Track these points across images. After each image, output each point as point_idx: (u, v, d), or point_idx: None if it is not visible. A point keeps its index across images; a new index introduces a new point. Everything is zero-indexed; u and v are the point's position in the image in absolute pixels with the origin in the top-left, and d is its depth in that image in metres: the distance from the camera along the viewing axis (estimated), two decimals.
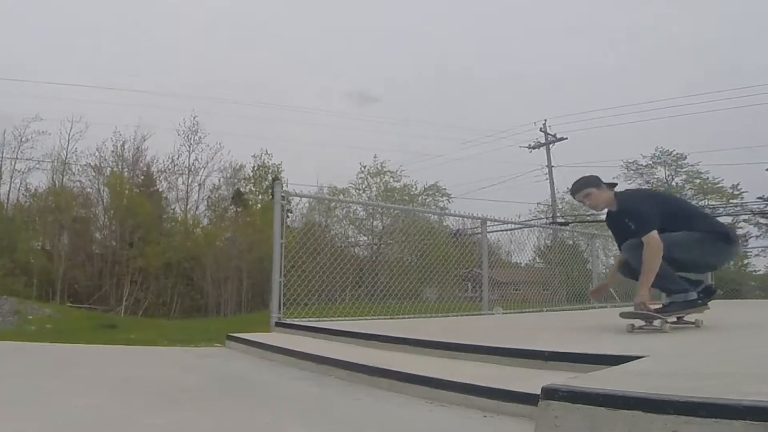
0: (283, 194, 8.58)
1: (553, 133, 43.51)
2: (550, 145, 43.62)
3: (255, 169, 52.68)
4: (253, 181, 52.95)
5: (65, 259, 43.31)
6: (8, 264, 40.65)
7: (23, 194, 48.53)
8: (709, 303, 6.07)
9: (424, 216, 19.11)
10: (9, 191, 48.08)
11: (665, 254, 5.67)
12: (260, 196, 51.40)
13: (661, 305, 6.18)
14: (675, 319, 5.86)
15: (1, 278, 37.73)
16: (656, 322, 5.67)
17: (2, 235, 42.87)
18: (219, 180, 51.79)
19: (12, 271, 40.36)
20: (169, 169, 50.57)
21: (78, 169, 48.40)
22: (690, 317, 6.01)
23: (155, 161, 50.88)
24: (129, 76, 73.22)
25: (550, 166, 42.75)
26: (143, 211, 45.31)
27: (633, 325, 5.82)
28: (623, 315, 6.00)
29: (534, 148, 44.22)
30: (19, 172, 48.07)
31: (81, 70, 69.16)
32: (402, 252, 12.83)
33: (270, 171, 51.83)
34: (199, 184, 51.10)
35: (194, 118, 49.78)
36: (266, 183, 50.40)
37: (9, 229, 43.64)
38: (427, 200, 48.95)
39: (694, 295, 5.85)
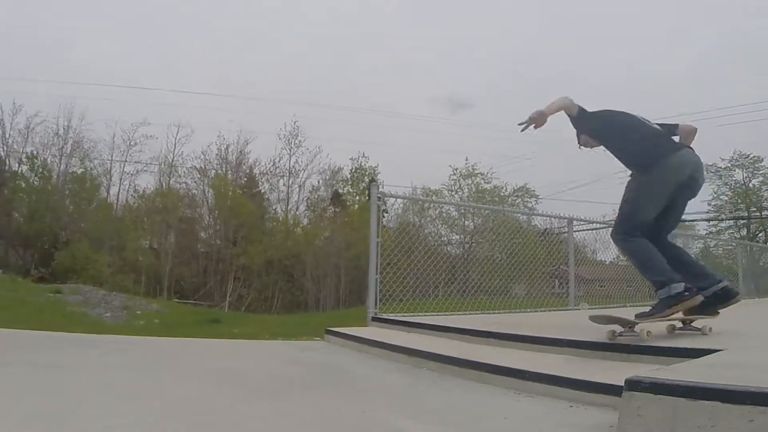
0: (379, 195, 8.66)
1: None
2: None
3: (352, 171, 53.13)
4: (350, 182, 53.36)
5: (172, 257, 44.62)
6: (118, 262, 42.20)
7: (132, 195, 50.52)
8: (721, 308, 4.95)
9: (513, 216, 18.82)
10: (118, 192, 50.40)
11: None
12: (357, 197, 51.73)
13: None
14: (681, 325, 5.02)
15: (112, 275, 39.14)
16: (637, 328, 4.83)
17: (112, 235, 44.66)
18: (318, 182, 52.60)
19: (122, 268, 41.85)
20: (271, 172, 51.67)
21: (184, 172, 50.17)
22: (698, 323, 5.02)
23: (257, 164, 52.10)
24: (234, 83, 75.03)
25: None
26: (246, 211, 46.25)
27: (614, 332, 4.93)
28: (593, 318, 5.27)
29: None
30: (128, 174, 50.28)
31: (187, 78, 70.96)
32: (492, 250, 12.71)
33: (367, 173, 52.10)
34: (300, 186, 52.08)
35: (295, 123, 50.75)
36: (363, 185, 50.68)
37: (118, 229, 45.31)
38: (516, 201, 48.38)
39: (679, 287, 4.75)
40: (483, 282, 9.94)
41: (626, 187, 5.15)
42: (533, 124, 5.06)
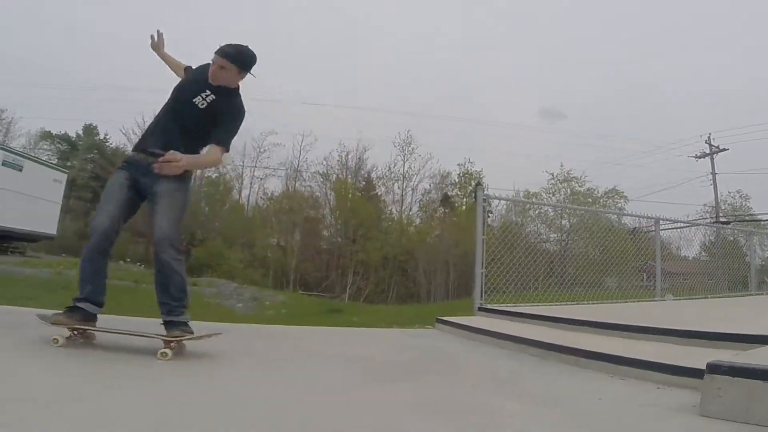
0: (484, 197, 8.77)
1: (716, 145, 41.59)
2: (714, 155, 41.76)
3: (460, 175, 52.62)
4: (458, 186, 52.89)
5: (297, 253, 45.52)
6: (248, 257, 43.47)
7: (261, 197, 52.02)
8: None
9: (605, 216, 18.61)
10: (249, 195, 52.14)
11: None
12: (464, 199, 51.17)
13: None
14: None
15: (243, 270, 40.15)
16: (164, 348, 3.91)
17: (243, 233, 46.01)
18: (429, 185, 52.35)
19: (251, 263, 43.10)
20: (387, 176, 51.91)
21: (308, 176, 50.91)
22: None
23: (375, 169, 52.28)
24: (353, 94, 76.55)
25: (714, 173, 40.93)
26: (364, 212, 46.66)
27: (57, 340, 3.96)
28: (43, 318, 4.15)
29: (700, 157, 42.33)
30: (257, 178, 51.83)
31: (312, 91, 72.33)
32: (586, 247, 12.53)
33: (473, 177, 51.50)
34: (413, 189, 51.82)
35: (408, 132, 50.84)
36: (470, 188, 50.00)
37: (249, 228, 46.77)
38: (608, 202, 47.27)
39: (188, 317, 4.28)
40: (578, 276, 9.89)
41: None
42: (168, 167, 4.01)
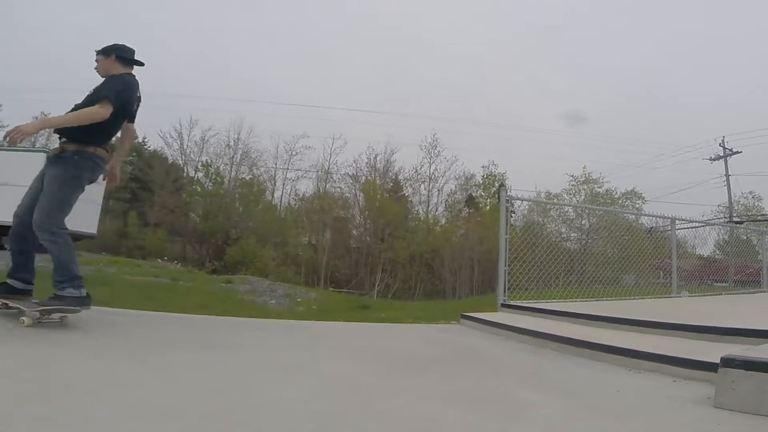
0: (507, 198, 8.75)
1: (730, 147, 41.34)
2: (728, 158, 41.52)
3: (484, 177, 52.56)
4: (482, 187, 52.75)
5: (328, 251, 45.51)
6: (281, 256, 43.76)
7: (293, 198, 52.24)
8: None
9: (623, 216, 18.55)
10: (281, 196, 52.45)
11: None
12: (488, 200, 50.89)
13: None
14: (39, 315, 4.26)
15: (275, 267, 40.44)
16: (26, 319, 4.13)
17: (276, 232, 46.32)
18: (454, 186, 52.38)
19: (284, 261, 43.34)
20: (414, 178, 51.96)
21: (338, 177, 51.25)
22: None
23: (402, 171, 52.35)
24: (382, 100, 77.09)
25: (727, 175, 40.75)
26: (392, 212, 46.65)
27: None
28: None
29: (714, 160, 42.10)
30: (289, 179, 52.12)
31: (342, 95, 72.90)
32: (605, 246, 12.49)
33: (496, 179, 51.42)
34: (438, 190, 51.87)
35: (434, 135, 50.89)
36: (493, 189, 49.74)
37: (281, 227, 47.04)
38: (626, 203, 47.09)
39: (85, 292, 4.37)
40: (597, 273, 9.88)
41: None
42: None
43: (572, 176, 48.96)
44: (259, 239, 43.75)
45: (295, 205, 51.53)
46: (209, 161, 49.52)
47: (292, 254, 44.97)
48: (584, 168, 48.93)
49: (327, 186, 51.28)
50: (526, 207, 46.13)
